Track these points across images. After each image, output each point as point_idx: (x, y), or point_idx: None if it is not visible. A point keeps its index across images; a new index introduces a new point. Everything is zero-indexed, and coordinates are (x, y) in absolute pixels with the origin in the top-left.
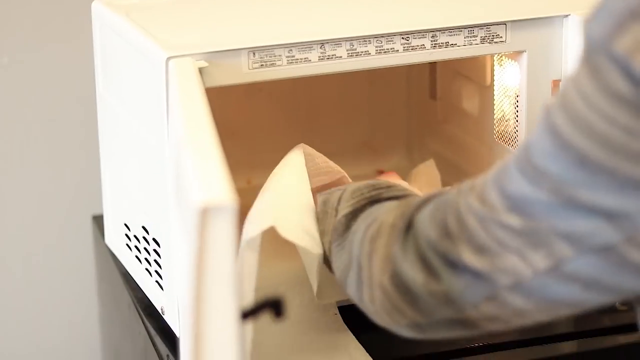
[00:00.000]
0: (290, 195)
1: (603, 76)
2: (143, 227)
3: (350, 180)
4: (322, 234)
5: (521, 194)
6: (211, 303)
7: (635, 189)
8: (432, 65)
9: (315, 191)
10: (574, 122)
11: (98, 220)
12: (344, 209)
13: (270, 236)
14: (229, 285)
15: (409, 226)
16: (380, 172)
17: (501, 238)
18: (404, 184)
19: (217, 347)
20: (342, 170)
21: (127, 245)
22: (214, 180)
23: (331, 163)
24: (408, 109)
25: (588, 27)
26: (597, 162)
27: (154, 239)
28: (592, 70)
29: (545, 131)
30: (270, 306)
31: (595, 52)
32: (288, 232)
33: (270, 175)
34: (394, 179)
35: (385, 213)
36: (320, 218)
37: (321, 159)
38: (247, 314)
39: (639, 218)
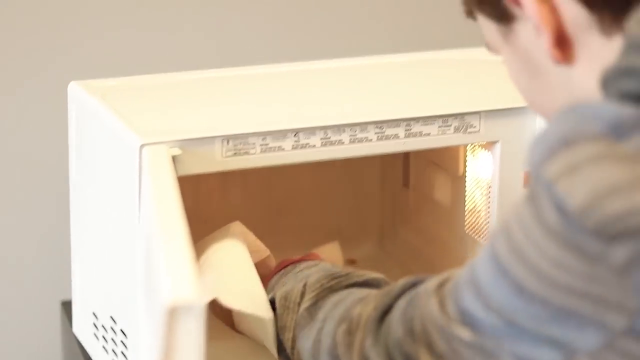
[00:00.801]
0: (232, 266)
1: (537, 205)
2: (111, 317)
3: (274, 261)
4: (282, 329)
5: (471, 311)
6: None
7: (568, 320)
8: (406, 153)
9: None
10: (512, 250)
11: (67, 307)
12: (306, 302)
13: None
14: None
15: (381, 319)
16: (352, 262)
17: (455, 347)
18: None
19: None
20: (268, 250)
21: (95, 334)
22: (183, 278)
23: (259, 242)
24: (381, 197)
25: (530, 154)
26: (531, 292)
27: (121, 330)
28: (530, 198)
29: (488, 257)
30: None
31: (534, 180)
32: (233, 302)
33: (203, 246)
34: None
35: (358, 304)
36: (280, 314)
37: (252, 237)
38: None
39: (576, 346)
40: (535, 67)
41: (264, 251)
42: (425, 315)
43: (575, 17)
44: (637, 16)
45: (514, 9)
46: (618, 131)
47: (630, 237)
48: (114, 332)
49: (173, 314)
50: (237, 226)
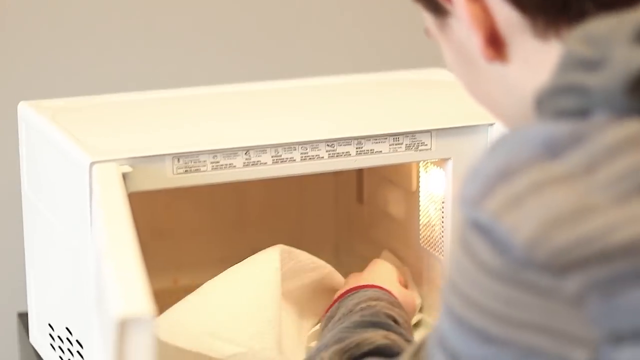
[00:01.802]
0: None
1: (472, 250)
2: (67, 328)
3: (339, 275)
4: None
5: None
6: None
7: (540, 356)
8: (359, 170)
9: (307, 288)
10: (464, 301)
11: (23, 318)
12: None
13: None
14: None
15: None
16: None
17: None
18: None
19: None
20: (329, 265)
21: (52, 345)
22: (133, 291)
23: (315, 258)
24: (336, 213)
25: (462, 194)
26: (498, 338)
27: (77, 341)
28: (464, 245)
29: (445, 314)
30: None
31: (468, 223)
32: (176, 337)
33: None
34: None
35: None
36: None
37: (304, 255)
38: None
39: None
40: (470, 61)
41: (324, 266)
42: None
43: (508, 19)
44: (575, 33)
45: (447, 5)
46: (553, 150)
47: (580, 267)
48: (70, 342)
49: (123, 327)
50: (283, 248)
